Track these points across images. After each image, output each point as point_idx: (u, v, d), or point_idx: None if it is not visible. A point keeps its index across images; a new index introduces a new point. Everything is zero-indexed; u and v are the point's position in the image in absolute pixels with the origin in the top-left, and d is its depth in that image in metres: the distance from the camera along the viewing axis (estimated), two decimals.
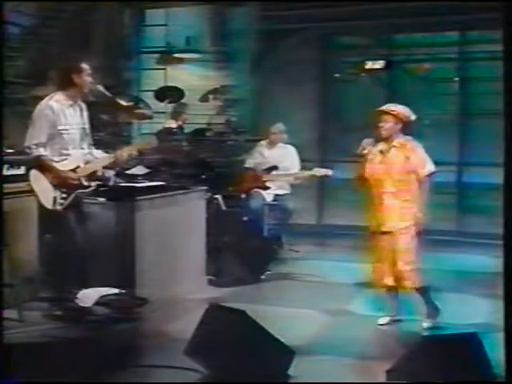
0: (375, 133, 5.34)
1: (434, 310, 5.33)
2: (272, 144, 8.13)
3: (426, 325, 5.29)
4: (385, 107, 5.34)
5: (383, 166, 5.29)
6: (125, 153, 5.47)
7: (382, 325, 5.39)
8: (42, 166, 5.20)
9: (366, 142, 5.37)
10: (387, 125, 5.27)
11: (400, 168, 5.25)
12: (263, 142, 8.21)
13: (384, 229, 5.25)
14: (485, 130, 8.52)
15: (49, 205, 5.19)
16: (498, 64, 3.48)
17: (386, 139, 5.30)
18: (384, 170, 5.28)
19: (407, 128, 5.33)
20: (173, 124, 8.56)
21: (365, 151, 5.33)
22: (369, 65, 9.41)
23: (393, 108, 5.30)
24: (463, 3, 8.49)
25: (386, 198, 5.25)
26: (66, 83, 5.31)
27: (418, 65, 9.77)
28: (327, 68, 9.97)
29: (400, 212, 5.23)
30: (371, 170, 5.33)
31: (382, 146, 5.34)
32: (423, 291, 5.32)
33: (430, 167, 5.26)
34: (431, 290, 5.37)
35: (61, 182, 5.19)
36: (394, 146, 5.29)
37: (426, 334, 5.10)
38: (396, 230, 5.22)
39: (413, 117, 5.32)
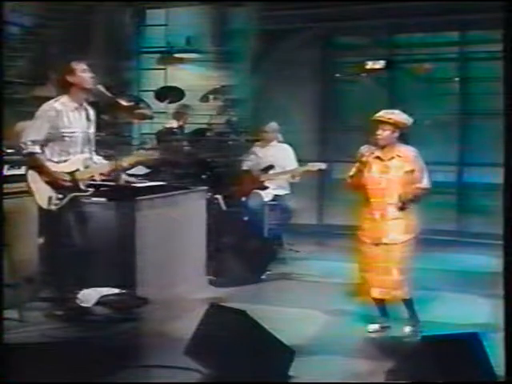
0: (372, 140, 5.15)
1: (415, 321, 5.23)
2: (265, 143, 8.13)
3: (407, 330, 5.22)
4: (381, 114, 5.12)
5: (385, 175, 5.11)
6: (125, 163, 5.50)
7: (371, 332, 5.30)
8: (35, 164, 5.20)
9: (365, 148, 5.14)
10: (384, 133, 5.08)
11: (403, 179, 5.07)
12: (257, 143, 8.22)
13: (385, 241, 5.09)
14: (485, 130, 8.53)
15: (44, 204, 5.19)
16: (498, 64, 3.48)
17: (384, 147, 5.12)
18: (386, 180, 5.10)
19: (404, 134, 5.17)
20: (173, 124, 8.57)
21: (364, 159, 5.11)
22: (369, 65, 9.42)
23: (390, 116, 5.08)
24: (463, 3, 8.50)
25: (386, 209, 5.10)
26: (62, 85, 5.33)
27: (418, 65, 9.77)
28: (327, 68, 9.98)
29: (401, 224, 5.10)
30: (371, 179, 5.14)
31: (380, 153, 5.14)
32: (409, 302, 5.22)
33: (426, 182, 5.10)
34: (415, 301, 5.27)
35: (54, 183, 5.20)
36: (398, 156, 5.11)
37: (408, 340, 5.07)
38: (396, 242, 5.09)
39: (410, 122, 5.14)
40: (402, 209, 5.09)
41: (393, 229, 5.11)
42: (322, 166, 7.79)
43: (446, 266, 7.23)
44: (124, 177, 6.13)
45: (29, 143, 5.18)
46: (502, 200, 3.26)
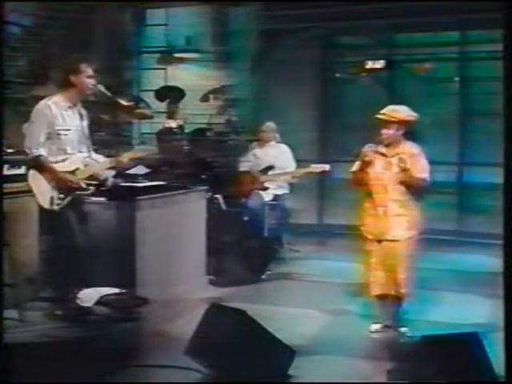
0: (376, 137, 5.12)
1: (399, 321, 5.23)
2: (263, 143, 8.13)
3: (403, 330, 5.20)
4: (386, 112, 5.07)
5: (388, 171, 5.09)
6: (125, 159, 5.49)
7: (373, 332, 5.27)
8: (40, 166, 5.20)
9: (368, 148, 5.11)
10: (389, 132, 5.06)
11: (406, 175, 5.04)
12: (256, 143, 8.22)
13: (389, 237, 5.08)
14: (485, 130, 8.53)
15: (46, 205, 5.19)
16: (498, 64, 3.48)
17: (389, 145, 5.10)
18: (389, 177, 5.08)
19: (409, 129, 5.13)
20: (173, 124, 8.58)
21: (367, 158, 5.06)
22: (369, 65, 9.42)
23: (394, 114, 5.04)
24: (463, 3, 8.50)
25: (390, 206, 5.08)
26: (64, 83, 5.31)
27: (418, 65, 9.76)
28: (327, 68, 9.97)
29: (404, 220, 5.09)
30: (375, 175, 5.12)
31: (385, 150, 5.12)
32: (402, 301, 5.19)
33: (426, 174, 5.08)
34: (412, 301, 5.25)
35: (59, 183, 5.20)
36: (402, 153, 5.07)
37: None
38: (399, 238, 5.08)
39: (415, 118, 5.09)
40: (402, 204, 5.07)
41: (395, 225, 5.09)
42: (326, 167, 7.76)
43: (446, 266, 7.23)
44: (112, 180, 6.10)
45: (34, 146, 5.17)
46: (502, 200, 3.27)
